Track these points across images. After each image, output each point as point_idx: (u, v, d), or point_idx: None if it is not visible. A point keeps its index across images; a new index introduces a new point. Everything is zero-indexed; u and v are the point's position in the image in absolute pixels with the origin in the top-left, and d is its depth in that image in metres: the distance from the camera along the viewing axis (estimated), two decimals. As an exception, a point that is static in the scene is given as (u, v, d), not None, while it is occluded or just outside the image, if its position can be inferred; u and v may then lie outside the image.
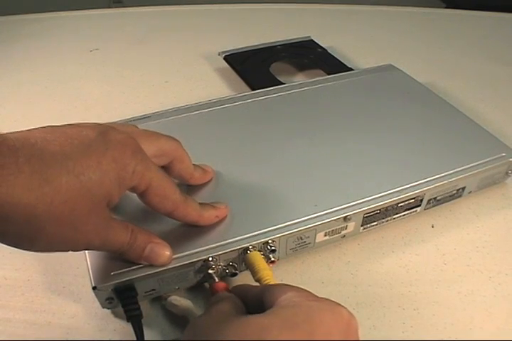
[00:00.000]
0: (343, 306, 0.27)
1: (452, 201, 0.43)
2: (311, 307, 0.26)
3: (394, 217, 0.41)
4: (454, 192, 0.42)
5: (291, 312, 0.26)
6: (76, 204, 0.27)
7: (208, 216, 0.35)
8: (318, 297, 0.28)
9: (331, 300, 0.28)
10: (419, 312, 0.36)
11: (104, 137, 0.29)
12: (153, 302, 0.35)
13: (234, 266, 0.35)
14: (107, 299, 0.33)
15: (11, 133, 0.27)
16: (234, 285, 0.33)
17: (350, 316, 0.27)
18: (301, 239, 0.37)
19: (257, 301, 0.29)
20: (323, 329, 0.25)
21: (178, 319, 0.35)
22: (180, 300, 0.35)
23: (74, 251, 0.29)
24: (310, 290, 0.29)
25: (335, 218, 0.37)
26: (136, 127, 0.36)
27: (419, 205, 0.41)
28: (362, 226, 0.39)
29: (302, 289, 0.29)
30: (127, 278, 0.32)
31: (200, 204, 0.35)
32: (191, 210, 0.34)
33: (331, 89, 0.52)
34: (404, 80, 0.54)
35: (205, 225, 0.35)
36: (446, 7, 1.35)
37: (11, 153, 0.25)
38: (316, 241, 0.38)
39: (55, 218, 0.26)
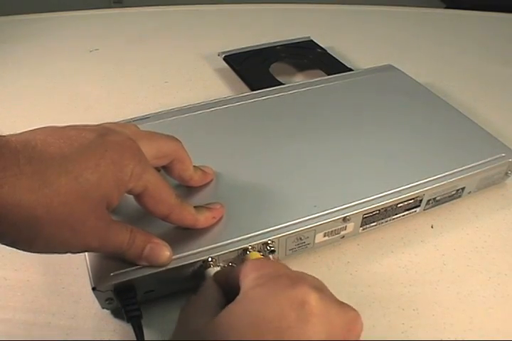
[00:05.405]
0: (304, 281, 0.26)
1: (452, 201, 0.43)
2: (261, 298, 0.25)
3: (393, 217, 0.41)
4: (454, 192, 0.42)
5: (241, 310, 0.25)
6: (75, 205, 0.27)
7: (204, 219, 0.35)
8: (281, 271, 0.28)
9: (293, 275, 0.27)
10: (418, 312, 0.36)
11: (103, 139, 0.29)
12: (153, 302, 0.35)
13: (233, 266, 0.35)
14: (107, 299, 0.33)
15: (12, 135, 0.27)
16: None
17: (305, 294, 0.25)
18: (301, 239, 0.37)
19: (235, 285, 0.28)
20: (273, 315, 0.24)
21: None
22: None
23: (72, 253, 0.29)
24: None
25: (334, 219, 0.37)
26: (137, 127, 0.36)
27: (419, 206, 0.41)
28: (361, 226, 0.39)
29: (267, 263, 0.29)
30: (127, 279, 0.32)
31: (195, 207, 0.35)
32: (187, 214, 0.34)
33: (330, 90, 0.52)
34: (403, 80, 0.54)
35: (202, 228, 0.35)
36: (446, 7, 1.35)
37: (13, 155, 0.25)
38: (316, 241, 0.38)
39: (54, 219, 0.26)
